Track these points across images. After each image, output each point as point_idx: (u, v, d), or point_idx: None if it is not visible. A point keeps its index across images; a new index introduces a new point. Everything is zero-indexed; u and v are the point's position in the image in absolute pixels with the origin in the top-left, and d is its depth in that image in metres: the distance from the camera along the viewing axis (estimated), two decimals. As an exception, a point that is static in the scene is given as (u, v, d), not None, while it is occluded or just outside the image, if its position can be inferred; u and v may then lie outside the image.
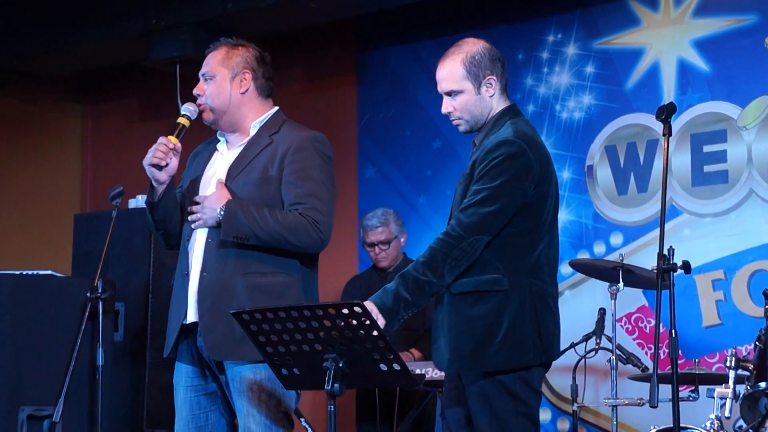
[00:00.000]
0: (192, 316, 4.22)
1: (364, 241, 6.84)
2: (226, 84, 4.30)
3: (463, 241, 3.79)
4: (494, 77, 3.97)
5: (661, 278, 3.94)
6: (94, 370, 5.18)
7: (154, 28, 7.63)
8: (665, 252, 3.99)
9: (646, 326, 6.90)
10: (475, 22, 7.55)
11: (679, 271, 3.98)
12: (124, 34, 7.79)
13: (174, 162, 4.27)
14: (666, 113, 4.17)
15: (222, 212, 4.15)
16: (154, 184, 4.29)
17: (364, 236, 6.85)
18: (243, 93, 4.33)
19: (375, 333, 3.62)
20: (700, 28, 6.93)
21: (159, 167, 4.24)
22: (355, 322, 3.62)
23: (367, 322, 3.61)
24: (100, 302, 5.14)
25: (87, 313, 5.11)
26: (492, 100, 3.99)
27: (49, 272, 5.47)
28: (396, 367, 3.68)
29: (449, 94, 4.04)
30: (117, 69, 8.71)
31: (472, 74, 3.97)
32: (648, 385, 5.86)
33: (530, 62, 7.47)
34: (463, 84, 3.99)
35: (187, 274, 4.26)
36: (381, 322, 3.74)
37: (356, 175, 8.03)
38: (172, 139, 4.26)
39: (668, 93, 6.97)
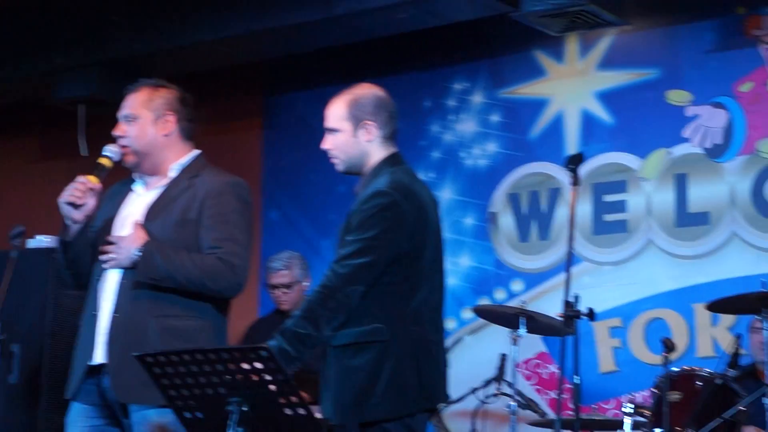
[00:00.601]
0: (100, 357, 4.17)
1: (268, 282, 6.83)
2: (149, 126, 4.28)
3: (337, 293, 3.82)
4: (374, 124, 4.01)
5: (566, 325, 3.98)
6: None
7: (58, 67, 7.55)
8: (570, 299, 4.04)
9: (544, 372, 6.98)
10: (382, 69, 7.62)
11: (584, 318, 4.03)
12: (28, 73, 7.70)
13: (91, 202, 4.24)
14: (575, 163, 4.25)
15: (139, 253, 4.12)
16: (68, 222, 4.24)
17: (267, 278, 6.83)
18: (166, 135, 4.31)
19: (281, 377, 3.61)
20: (604, 81, 7.08)
21: (75, 206, 4.20)
22: (260, 365, 3.60)
23: (273, 365, 3.60)
24: (-1, 343, 5.04)
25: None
26: (369, 145, 4.03)
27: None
28: (301, 411, 3.67)
29: (330, 130, 4.08)
30: (18, 107, 8.59)
31: (353, 116, 4.02)
32: (546, 430, 5.98)
33: (437, 109, 7.55)
34: (342, 124, 4.04)
35: (96, 315, 4.21)
36: None
37: (260, 218, 8.01)
38: (92, 179, 4.22)
39: (571, 143, 7.11)
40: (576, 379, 4.00)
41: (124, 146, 4.29)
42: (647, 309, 6.74)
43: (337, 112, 4.06)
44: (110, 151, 4.29)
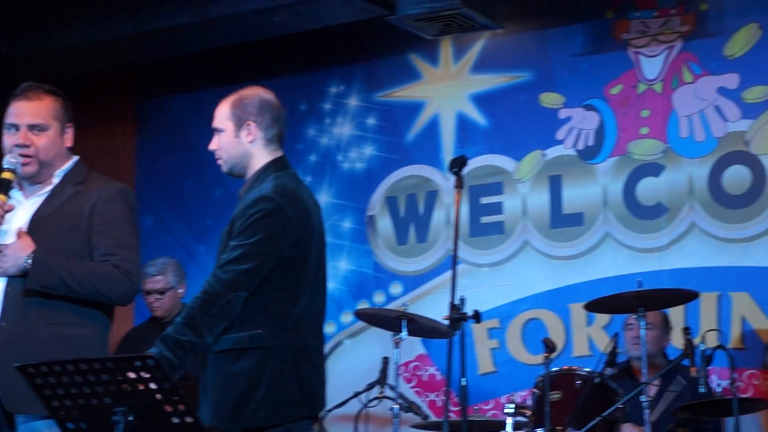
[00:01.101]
0: None
1: (141, 288, 6.73)
2: (58, 137, 4.21)
3: (220, 299, 3.79)
4: (255, 125, 4.00)
5: (452, 327, 4.02)
6: None
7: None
8: (456, 302, 4.08)
9: (424, 374, 7.03)
10: (258, 72, 7.56)
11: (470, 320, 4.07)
12: None
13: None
14: (458, 166, 4.29)
15: (29, 260, 4.04)
16: None
17: (141, 283, 6.74)
18: (68, 147, 4.28)
19: (167, 385, 3.57)
20: (478, 84, 7.16)
21: None
22: (147, 374, 3.55)
23: (160, 374, 3.55)
24: None
25: None
26: (251, 146, 4.01)
27: None
28: (188, 419, 3.62)
29: (216, 130, 4.09)
30: None
31: (236, 116, 4.02)
32: (429, 432, 6.02)
33: (313, 113, 7.55)
34: (225, 124, 4.05)
35: None
36: None
37: (135, 223, 7.88)
38: (3, 197, 4.12)
39: (447, 146, 7.17)
40: (463, 381, 4.03)
41: (27, 156, 4.18)
42: (524, 310, 6.84)
43: (222, 112, 4.07)
44: (11, 163, 4.18)
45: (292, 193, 3.94)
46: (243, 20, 6.87)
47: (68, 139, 4.26)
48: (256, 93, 4.08)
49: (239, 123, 4.02)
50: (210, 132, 7.58)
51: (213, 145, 4.09)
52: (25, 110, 4.18)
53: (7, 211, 4.13)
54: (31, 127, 4.18)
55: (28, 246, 4.07)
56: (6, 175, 4.15)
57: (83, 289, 4.06)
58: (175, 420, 3.61)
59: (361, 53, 7.51)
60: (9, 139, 4.21)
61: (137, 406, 3.59)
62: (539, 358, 6.39)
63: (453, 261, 4.24)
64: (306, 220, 3.94)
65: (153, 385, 3.54)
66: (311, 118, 7.54)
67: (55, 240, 4.14)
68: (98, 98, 8.12)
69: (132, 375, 3.53)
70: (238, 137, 4.02)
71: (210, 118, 7.61)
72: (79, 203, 4.19)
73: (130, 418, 3.60)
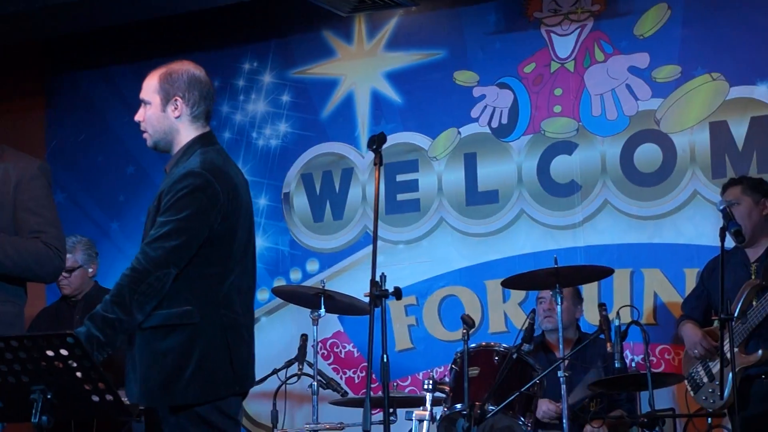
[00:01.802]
0: None
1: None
2: None
3: (149, 276, 3.74)
4: (182, 100, 3.96)
5: (373, 304, 4.02)
6: None
7: None
8: (377, 279, 4.08)
9: (341, 351, 7.03)
10: (171, 48, 7.49)
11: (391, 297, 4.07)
12: None
13: None
14: (377, 143, 4.29)
15: None
16: None
17: (51, 261, 6.64)
18: None
19: (87, 363, 3.52)
20: (392, 61, 7.16)
21: None
22: (65, 352, 3.49)
23: (79, 352, 3.50)
24: None
25: None
26: (177, 122, 3.97)
27: None
28: (108, 397, 3.58)
29: (143, 103, 4.03)
30: None
31: (163, 90, 3.97)
32: (347, 409, 6.03)
33: (226, 89, 7.48)
34: (152, 96, 3.99)
35: None
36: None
37: (45, 200, 7.76)
38: None
39: (363, 123, 7.16)
40: (385, 357, 4.03)
41: None
42: (441, 286, 6.88)
43: (149, 84, 4.01)
44: None
45: (220, 168, 3.91)
46: (155, -5, 6.79)
47: None
48: (185, 68, 4.03)
49: (166, 97, 3.97)
50: (121, 108, 7.58)
51: (138, 116, 4.03)
52: None
53: None
54: None
55: None
56: None
57: (15, 266, 4.04)
58: (95, 398, 3.57)
59: (275, 30, 7.46)
60: None
61: (56, 384, 3.55)
62: (456, 335, 6.48)
63: (374, 238, 4.22)
64: (234, 196, 3.90)
65: (72, 363, 3.50)
66: (225, 95, 7.47)
67: None
68: (7, 73, 7.97)
69: (50, 353, 3.49)
70: (165, 112, 3.97)
71: (121, 94, 7.63)
72: (1, 180, 4.15)
73: (49, 396, 3.56)
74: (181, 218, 3.78)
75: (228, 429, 3.85)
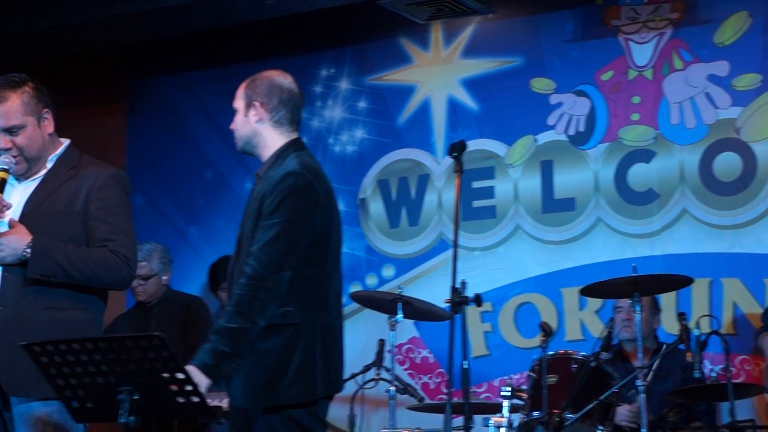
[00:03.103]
0: None
1: (129, 272, 6.73)
2: (37, 131, 4.19)
3: (266, 281, 3.80)
4: (261, 105, 4.03)
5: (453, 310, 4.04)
6: None
7: None
8: (457, 285, 4.10)
9: (417, 357, 7.05)
10: (249, 55, 7.57)
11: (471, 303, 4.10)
12: None
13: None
14: (457, 150, 4.31)
15: (28, 249, 4.04)
16: None
17: (127, 268, 6.73)
18: (50, 134, 4.25)
19: (173, 364, 3.57)
20: (469, 68, 7.17)
21: None
22: (152, 354, 3.55)
23: (165, 353, 3.55)
24: None
25: None
26: (259, 126, 4.05)
27: None
28: (194, 399, 3.63)
29: (235, 109, 4.15)
30: None
31: (246, 96, 4.08)
32: (423, 415, 6.06)
33: (303, 96, 7.49)
34: (239, 103, 4.10)
35: None
36: (205, 382, 3.71)
37: (125, 204, 7.87)
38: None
39: (439, 130, 7.18)
40: (465, 364, 4.06)
41: (15, 156, 4.17)
42: (517, 293, 6.87)
43: (238, 92, 4.13)
44: (5, 163, 4.15)
45: (316, 170, 3.99)
46: (235, 2, 6.85)
47: (48, 126, 4.23)
48: (268, 75, 4.13)
49: (248, 103, 4.07)
50: (200, 113, 7.68)
51: (232, 125, 4.14)
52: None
53: (5, 207, 4.12)
54: (7, 131, 4.15)
55: (25, 235, 4.07)
56: (1, 174, 4.14)
57: (82, 276, 4.06)
58: (181, 399, 3.63)
59: (351, 36, 7.51)
60: None
61: (143, 385, 3.61)
62: (532, 342, 6.49)
63: (454, 245, 4.25)
64: (330, 197, 3.99)
65: (158, 364, 3.56)
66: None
67: (49, 224, 4.13)
68: (89, 78, 8.10)
69: (138, 354, 3.55)
70: (247, 117, 4.07)
71: (200, 99, 7.73)
72: (74, 188, 4.18)
73: (136, 397, 3.62)
74: (287, 219, 3.84)
75: (316, 430, 3.90)
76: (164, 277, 6.71)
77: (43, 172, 4.23)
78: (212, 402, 5.24)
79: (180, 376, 3.57)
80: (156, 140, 7.92)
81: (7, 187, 4.21)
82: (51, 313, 4.09)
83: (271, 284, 3.80)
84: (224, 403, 5.50)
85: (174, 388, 3.60)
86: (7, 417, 4.11)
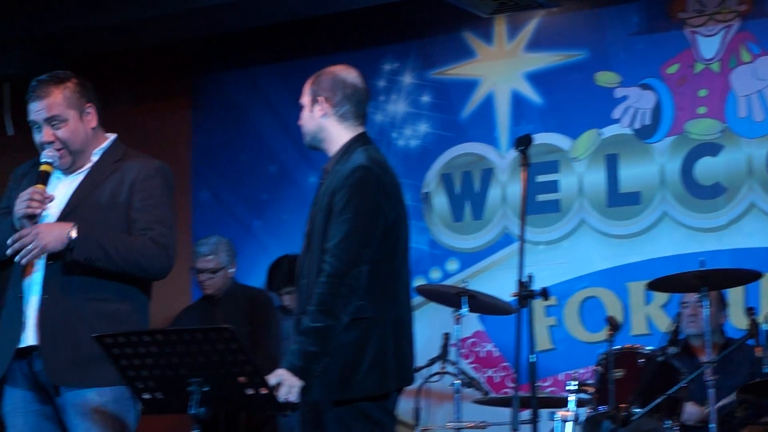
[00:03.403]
0: (30, 340, 4.13)
1: (193, 266, 6.80)
2: (79, 124, 4.23)
3: (345, 277, 3.83)
4: (325, 100, 4.07)
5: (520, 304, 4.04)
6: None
7: (-18, 44, 7.40)
8: (524, 279, 4.10)
9: (481, 351, 7.05)
10: (312, 49, 7.60)
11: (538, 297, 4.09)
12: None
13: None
14: (524, 144, 4.31)
15: (73, 233, 4.07)
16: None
17: (194, 261, 6.80)
18: (93, 128, 4.28)
19: (242, 357, 3.60)
20: (533, 62, 7.15)
21: (32, 217, 4.13)
22: (222, 346, 3.59)
23: (234, 346, 3.59)
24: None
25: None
26: (324, 121, 4.08)
27: None
28: (263, 391, 3.67)
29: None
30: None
31: (312, 92, 4.12)
32: (488, 408, 6.06)
33: (369, 90, 7.51)
34: (305, 99, 4.15)
35: (21, 297, 4.17)
36: (297, 383, 3.75)
37: (190, 198, 7.95)
38: (41, 187, 4.15)
39: (502, 124, 7.17)
40: (532, 358, 4.06)
41: (57, 150, 4.22)
42: (582, 288, 6.84)
43: (304, 88, 4.17)
44: (49, 157, 4.21)
45: (384, 163, 4.03)
46: (301, -4, 6.89)
47: (91, 120, 4.27)
48: (333, 70, 4.17)
49: (313, 98, 4.11)
50: (264, 108, 7.73)
51: (300, 120, 4.18)
52: (39, 108, 4.20)
53: (48, 199, 4.15)
54: (49, 122, 4.21)
55: (66, 224, 4.10)
56: (45, 167, 4.19)
57: (125, 262, 4.09)
58: (250, 391, 3.66)
59: (415, 31, 7.51)
60: (37, 137, 4.26)
61: (212, 376, 3.64)
62: (597, 336, 6.47)
63: (521, 238, 4.25)
64: (397, 190, 4.03)
65: (228, 357, 3.59)
66: (365, 95, 7.53)
67: (93, 216, 4.18)
68: (154, 73, 8.17)
69: (207, 347, 3.59)
70: (312, 112, 4.11)
71: (264, 94, 7.77)
72: (118, 180, 4.23)
73: (206, 389, 3.66)
74: (359, 214, 3.87)
75: (387, 425, 3.92)
76: (231, 270, 6.76)
77: (89, 165, 4.28)
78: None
79: (249, 368, 3.61)
80: (221, 135, 7.97)
81: (54, 181, 4.27)
82: (94, 304, 4.13)
83: (351, 280, 3.83)
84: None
85: (242, 380, 3.64)
86: (59, 403, 4.15)
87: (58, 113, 4.19)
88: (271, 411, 4.97)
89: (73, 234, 4.05)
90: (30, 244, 4.04)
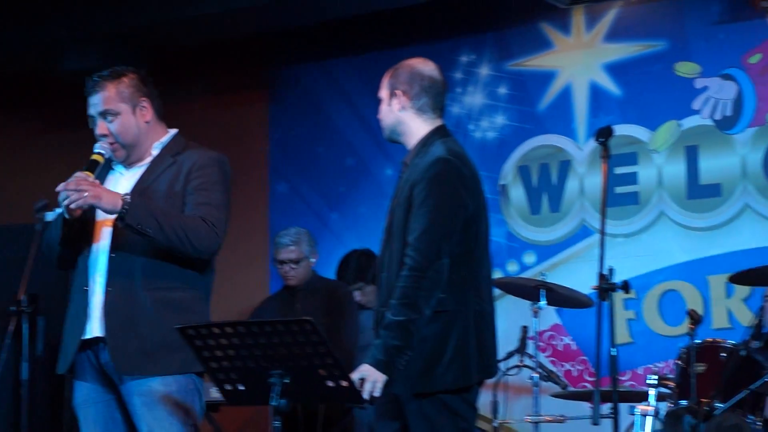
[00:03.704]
0: (96, 331, 4.21)
1: (275, 257, 6.82)
2: (131, 118, 4.29)
3: (428, 271, 3.82)
4: (403, 93, 4.06)
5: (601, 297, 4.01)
6: (18, 385, 5.04)
7: (65, 39, 7.49)
8: (605, 272, 4.07)
9: (558, 344, 7.01)
10: (387, 42, 7.61)
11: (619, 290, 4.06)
12: (33, 44, 7.64)
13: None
14: (604, 136, 4.27)
15: (127, 197, 4.11)
16: (67, 215, 4.21)
17: (275, 253, 6.83)
18: (147, 122, 4.34)
19: (323, 349, 3.62)
20: (612, 53, 7.09)
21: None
22: (303, 338, 3.60)
23: (315, 338, 3.60)
24: (25, 316, 5.01)
25: (12, 327, 4.98)
26: (402, 114, 4.08)
27: (-32, 285, 5.33)
28: (343, 383, 3.68)
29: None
30: (20, 79, 8.52)
31: (389, 85, 4.12)
32: (566, 402, 6.02)
33: (447, 82, 7.50)
34: (383, 92, 4.15)
35: (87, 290, 4.25)
36: (381, 378, 3.76)
37: (267, 190, 8.01)
38: (89, 174, 4.20)
39: (580, 115, 7.12)
40: (613, 351, 4.03)
41: (112, 143, 4.29)
42: (661, 281, 6.78)
43: (382, 82, 4.17)
44: (102, 148, 4.29)
45: (463, 155, 4.02)
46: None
47: (145, 114, 4.32)
48: (410, 63, 4.16)
49: (391, 92, 4.11)
50: (341, 101, 7.75)
51: (379, 114, 4.18)
52: (94, 102, 4.29)
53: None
54: (103, 116, 4.28)
55: (118, 193, 4.13)
56: (95, 156, 4.26)
57: (175, 235, 4.12)
58: (330, 383, 3.67)
59: (491, 22, 7.48)
60: (95, 130, 4.34)
61: (293, 369, 3.66)
62: (676, 330, 6.41)
63: (601, 231, 4.21)
64: (477, 182, 4.01)
65: (308, 349, 3.61)
66: (442, 87, 7.52)
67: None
68: (232, 67, 8.23)
69: (288, 339, 3.60)
70: (390, 105, 4.11)
71: (341, 86, 7.80)
72: (175, 170, 4.29)
73: (286, 381, 3.68)
74: (439, 206, 3.86)
75: (469, 417, 3.92)
76: (312, 260, 6.79)
77: (149, 159, 4.35)
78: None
79: (330, 360, 3.62)
80: (298, 128, 8.01)
81: (116, 175, 4.37)
82: (158, 293, 4.18)
83: (433, 273, 3.82)
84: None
85: (323, 372, 3.65)
86: (124, 392, 4.22)
87: (111, 107, 4.25)
88: (351, 403, 4.99)
89: (127, 199, 4.10)
90: (84, 189, 4.08)
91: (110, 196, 4.10)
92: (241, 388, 3.78)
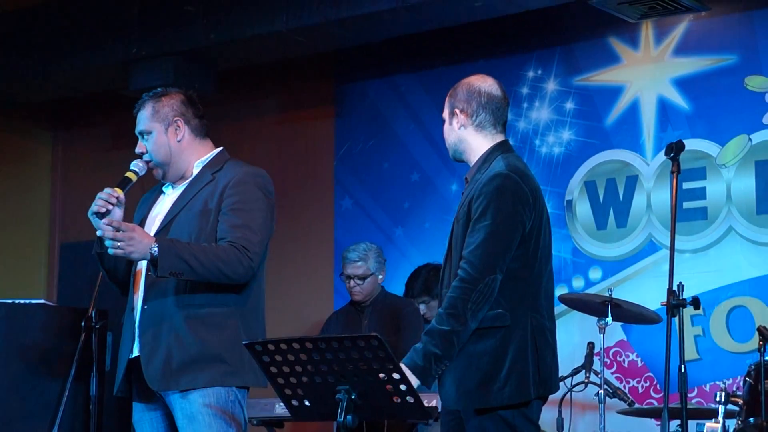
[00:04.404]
0: (137, 350, 4.31)
1: (342, 272, 6.85)
2: (163, 137, 4.38)
3: (478, 284, 3.84)
4: (461, 112, 4.08)
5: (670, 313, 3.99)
6: (87, 400, 5.13)
7: (134, 57, 7.59)
8: (674, 288, 4.04)
9: (624, 360, 6.96)
10: (455, 57, 7.62)
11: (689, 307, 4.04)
12: (103, 63, 7.75)
13: (117, 212, 4.29)
14: (675, 151, 4.25)
15: (155, 247, 4.16)
16: (99, 233, 4.27)
17: (342, 267, 6.86)
18: (179, 141, 4.40)
19: (390, 366, 3.62)
20: (681, 67, 7.03)
21: (101, 215, 4.25)
22: (370, 354, 3.61)
23: (382, 354, 3.61)
24: (94, 332, 5.11)
25: (81, 343, 5.08)
26: (463, 132, 4.09)
27: (42, 301, 5.44)
28: (410, 399, 3.68)
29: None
30: (91, 97, 8.65)
31: (450, 105, 4.14)
32: (632, 419, 5.98)
33: (510, 97, 7.33)
34: (444, 113, 4.17)
35: (133, 310, 4.36)
36: (414, 382, 3.78)
37: (333, 206, 8.04)
38: (117, 190, 4.30)
39: (648, 130, 7.07)
40: (683, 368, 4.00)
41: (147, 161, 4.41)
42: (729, 297, 6.70)
43: (445, 102, 4.19)
44: (136, 165, 4.40)
45: (523, 170, 4.02)
46: (444, 5, 6.88)
47: (177, 133, 4.40)
48: (468, 80, 4.18)
49: (451, 111, 4.14)
50: (406, 116, 7.78)
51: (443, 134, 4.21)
52: (137, 121, 4.44)
53: (117, 200, 4.26)
54: (141, 135, 4.43)
55: (149, 237, 4.19)
56: (128, 174, 4.37)
57: (207, 271, 4.18)
58: (397, 399, 3.68)
59: (558, 37, 7.46)
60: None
61: (360, 384, 3.67)
62: (745, 347, 6.34)
63: (671, 247, 4.20)
64: (538, 197, 4.00)
65: (375, 365, 3.62)
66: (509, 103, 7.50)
67: (189, 224, 4.31)
68: (299, 83, 8.30)
69: (355, 354, 3.61)
70: (451, 125, 4.14)
71: (406, 102, 7.82)
72: (212, 187, 4.36)
73: (353, 396, 3.69)
74: (497, 221, 3.87)
75: None
76: (380, 276, 6.79)
77: (190, 177, 4.44)
78: (426, 403, 5.30)
79: (397, 376, 3.63)
80: (363, 143, 8.04)
81: (163, 195, 4.48)
82: (188, 311, 4.26)
83: (484, 287, 3.83)
84: (434, 404, 5.57)
85: (389, 388, 3.66)
86: (169, 404, 4.29)
87: (146, 127, 4.40)
88: (418, 419, 5.00)
89: (155, 251, 4.15)
90: (120, 242, 4.14)
91: (141, 251, 4.15)
92: (308, 403, 3.81)
